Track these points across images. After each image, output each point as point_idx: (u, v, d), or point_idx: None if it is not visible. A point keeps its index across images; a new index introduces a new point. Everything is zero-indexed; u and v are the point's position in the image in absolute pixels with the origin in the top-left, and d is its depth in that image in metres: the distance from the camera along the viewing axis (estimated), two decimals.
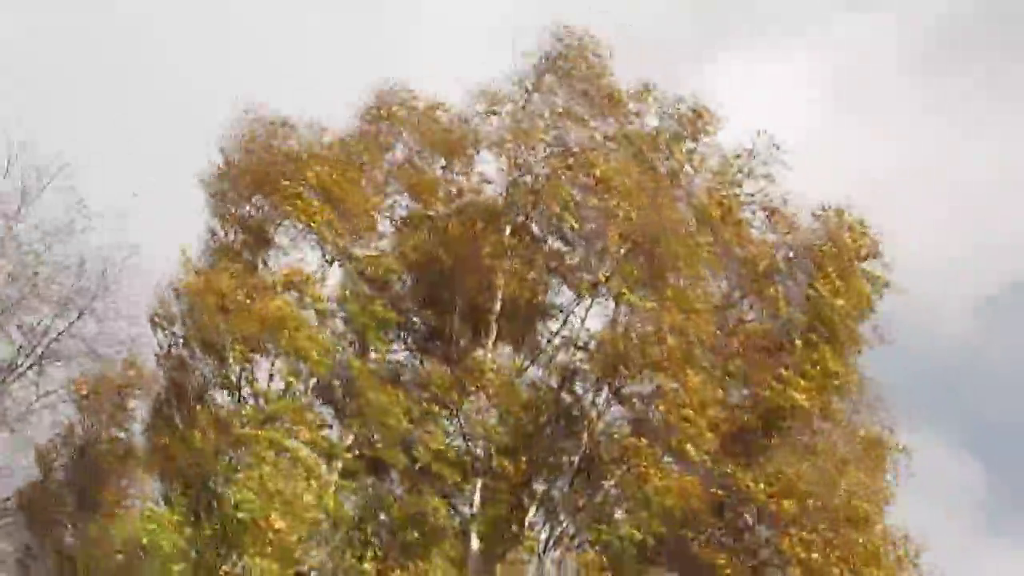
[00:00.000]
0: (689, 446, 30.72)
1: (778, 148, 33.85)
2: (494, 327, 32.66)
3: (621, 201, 32.03)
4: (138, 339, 33.37)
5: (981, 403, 63.45)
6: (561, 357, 32.98)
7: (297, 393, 31.04)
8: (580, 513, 31.96)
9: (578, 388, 32.74)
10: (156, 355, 32.36)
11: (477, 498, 31.62)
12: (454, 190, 34.01)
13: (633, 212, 31.97)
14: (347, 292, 32.20)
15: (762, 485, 31.19)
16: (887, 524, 31.97)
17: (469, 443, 31.82)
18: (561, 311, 33.46)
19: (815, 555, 30.63)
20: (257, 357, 30.99)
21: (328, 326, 31.78)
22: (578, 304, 33.18)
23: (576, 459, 31.96)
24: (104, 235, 33.33)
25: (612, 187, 32.23)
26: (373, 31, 61.43)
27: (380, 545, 31.00)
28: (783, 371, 32.21)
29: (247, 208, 32.71)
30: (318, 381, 31.28)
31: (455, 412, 31.68)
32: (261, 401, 30.93)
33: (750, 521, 32.25)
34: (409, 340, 33.46)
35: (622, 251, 32.28)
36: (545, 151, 33.11)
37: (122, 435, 33.00)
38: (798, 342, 32.86)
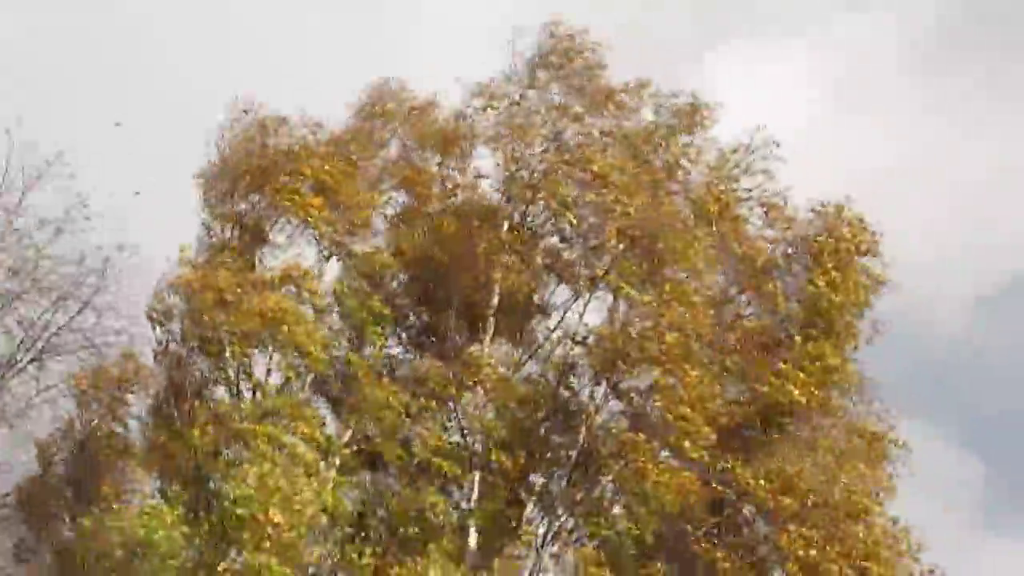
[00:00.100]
0: (687, 442, 30.67)
1: (778, 146, 33.93)
2: (491, 323, 32.67)
3: (619, 196, 32.05)
4: (136, 337, 33.31)
5: (979, 399, 63.35)
6: (559, 352, 32.96)
7: (295, 389, 31.09)
8: (578, 508, 31.88)
9: (576, 383, 32.70)
10: (154, 352, 32.40)
11: (475, 493, 31.62)
12: (450, 186, 34.07)
13: (631, 207, 31.99)
14: (344, 287, 32.25)
15: (761, 481, 31.13)
16: (887, 518, 31.91)
17: (467, 438, 31.85)
18: (558, 307, 33.50)
19: (814, 551, 30.55)
20: (255, 353, 31.04)
21: (325, 322, 31.82)
22: (576, 300, 33.22)
23: (574, 454, 31.90)
24: (104, 235, 33.29)
25: (609, 182, 32.22)
26: (373, 31, 61.45)
27: (379, 540, 31.02)
28: (781, 366, 32.15)
29: (243, 205, 32.78)
30: (316, 377, 31.33)
31: (452, 407, 31.70)
32: (259, 397, 30.99)
33: (749, 517, 32.24)
34: (404, 337, 33.51)
35: (620, 246, 32.27)
36: (542, 146, 33.15)
37: (120, 430, 32.92)
38: (796, 337, 32.78)
